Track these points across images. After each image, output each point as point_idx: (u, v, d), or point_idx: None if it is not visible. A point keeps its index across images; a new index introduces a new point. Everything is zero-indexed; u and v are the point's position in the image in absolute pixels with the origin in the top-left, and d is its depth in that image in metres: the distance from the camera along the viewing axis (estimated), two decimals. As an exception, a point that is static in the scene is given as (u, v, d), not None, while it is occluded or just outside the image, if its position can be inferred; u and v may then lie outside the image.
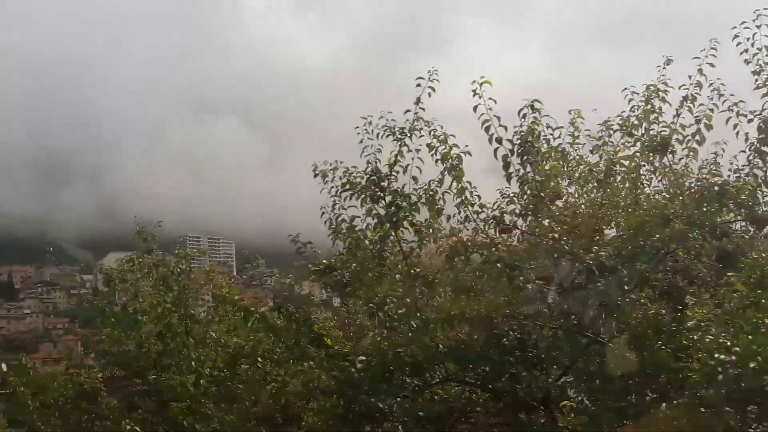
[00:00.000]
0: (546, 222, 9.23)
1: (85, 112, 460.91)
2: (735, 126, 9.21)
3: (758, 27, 9.00)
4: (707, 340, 6.75)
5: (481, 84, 9.31)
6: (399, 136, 9.39)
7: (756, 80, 9.16)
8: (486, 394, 9.74)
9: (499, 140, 9.29)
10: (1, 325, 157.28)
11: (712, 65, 9.33)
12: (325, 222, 9.93)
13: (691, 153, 9.48)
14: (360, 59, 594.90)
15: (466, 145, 9.59)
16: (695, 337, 7.34)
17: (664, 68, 9.81)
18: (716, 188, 8.55)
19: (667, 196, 9.43)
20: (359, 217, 9.63)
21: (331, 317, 12.65)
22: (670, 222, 8.27)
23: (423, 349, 8.81)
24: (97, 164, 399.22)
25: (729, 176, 9.32)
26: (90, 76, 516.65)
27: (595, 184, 9.55)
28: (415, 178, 9.48)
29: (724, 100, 9.27)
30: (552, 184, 9.02)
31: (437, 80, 9.74)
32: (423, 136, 9.52)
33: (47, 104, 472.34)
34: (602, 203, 9.29)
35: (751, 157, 9.25)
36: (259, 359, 12.35)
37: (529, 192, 9.14)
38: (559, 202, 9.37)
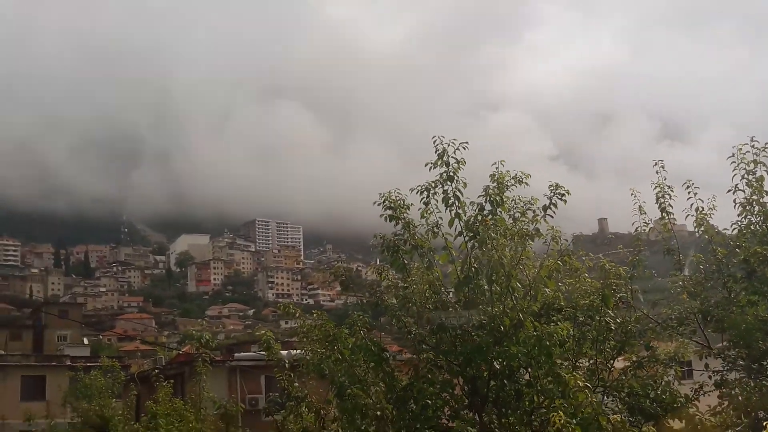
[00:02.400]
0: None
1: (155, 95, 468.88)
2: None
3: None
4: None
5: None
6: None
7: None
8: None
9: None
10: (82, 301, 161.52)
11: None
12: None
13: None
14: (427, 45, 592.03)
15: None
16: None
17: None
18: None
19: None
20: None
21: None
22: None
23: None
24: (165, 147, 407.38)
25: None
26: (161, 58, 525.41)
27: None
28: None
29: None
30: None
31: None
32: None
33: (118, 86, 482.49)
34: None
35: None
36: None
37: None
38: None
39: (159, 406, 19.50)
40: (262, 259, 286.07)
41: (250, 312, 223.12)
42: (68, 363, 52.39)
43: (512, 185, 10.28)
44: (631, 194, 11.66)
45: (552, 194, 10.46)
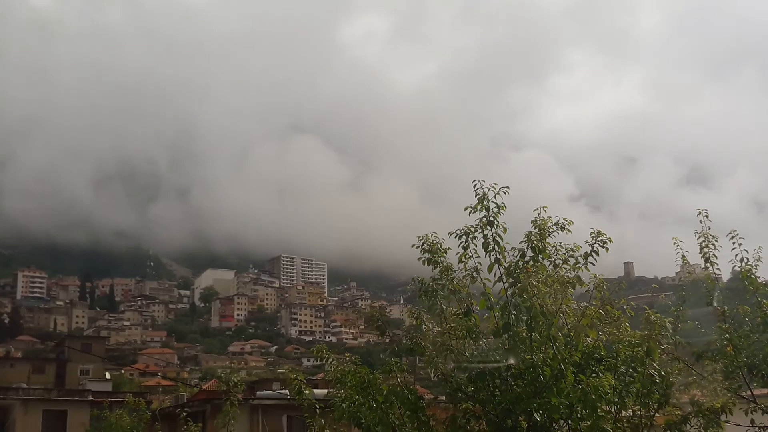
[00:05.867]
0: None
1: (175, 130, 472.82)
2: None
3: None
4: None
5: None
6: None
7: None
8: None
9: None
10: (105, 335, 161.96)
11: None
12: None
13: None
14: (450, 88, 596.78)
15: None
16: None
17: None
18: None
19: None
20: None
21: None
22: None
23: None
24: (185, 182, 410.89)
25: None
26: (182, 94, 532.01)
27: None
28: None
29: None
30: None
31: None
32: None
33: (138, 120, 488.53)
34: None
35: None
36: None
37: None
38: None
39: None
40: (286, 295, 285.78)
41: (273, 349, 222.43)
42: (90, 398, 52.18)
43: (554, 231, 10.11)
44: (674, 243, 11.40)
45: (594, 242, 10.26)
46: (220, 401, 41.33)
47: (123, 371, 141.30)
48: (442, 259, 10.51)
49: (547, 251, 10.00)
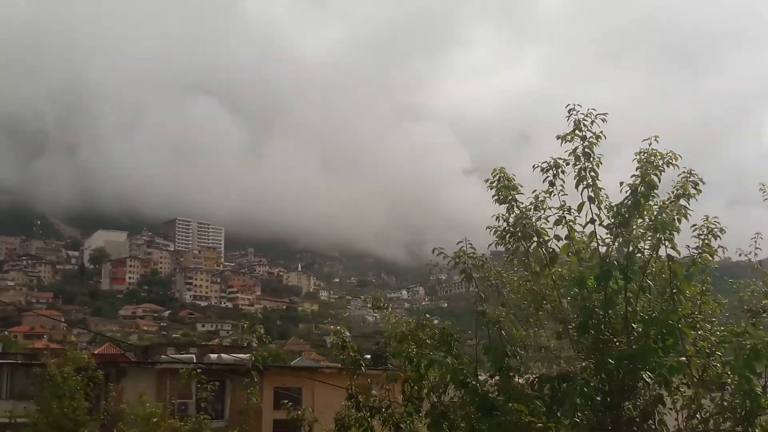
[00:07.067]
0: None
1: (64, 86, 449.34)
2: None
3: None
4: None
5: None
6: None
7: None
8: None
9: None
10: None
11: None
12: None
13: None
14: (353, 56, 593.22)
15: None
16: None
17: None
18: None
19: None
20: None
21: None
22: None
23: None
24: (74, 140, 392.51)
25: None
26: (72, 48, 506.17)
27: None
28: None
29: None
30: None
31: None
32: None
33: (23, 74, 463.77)
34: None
35: None
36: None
37: None
38: None
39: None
40: (181, 259, 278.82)
41: (166, 313, 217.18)
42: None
43: (661, 166, 8.72)
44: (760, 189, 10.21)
45: (684, 181, 8.87)
46: (127, 365, 39.46)
47: (7, 332, 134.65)
48: (519, 196, 9.04)
49: (653, 192, 8.59)
